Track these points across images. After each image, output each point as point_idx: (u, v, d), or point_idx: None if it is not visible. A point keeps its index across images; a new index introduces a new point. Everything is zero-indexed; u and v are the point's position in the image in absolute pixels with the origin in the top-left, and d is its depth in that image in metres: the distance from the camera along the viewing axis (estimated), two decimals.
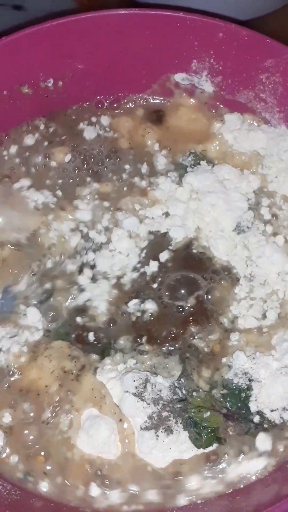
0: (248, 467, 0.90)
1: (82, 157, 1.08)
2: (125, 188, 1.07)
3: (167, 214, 1.04)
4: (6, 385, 0.93)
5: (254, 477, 0.90)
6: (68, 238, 1.02)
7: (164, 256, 1.01)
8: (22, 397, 0.93)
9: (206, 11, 1.08)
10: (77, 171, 1.07)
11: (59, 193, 1.06)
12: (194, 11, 1.05)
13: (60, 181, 1.07)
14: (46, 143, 1.09)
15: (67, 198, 1.05)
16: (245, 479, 0.90)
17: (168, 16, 1.03)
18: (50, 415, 0.92)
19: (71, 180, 1.07)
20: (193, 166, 1.06)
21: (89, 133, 1.11)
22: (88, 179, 1.07)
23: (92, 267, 1.00)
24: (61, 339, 0.96)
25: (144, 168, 1.08)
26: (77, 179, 1.07)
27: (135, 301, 0.98)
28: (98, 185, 1.06)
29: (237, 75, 1.08)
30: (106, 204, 1.05)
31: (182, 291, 0.99)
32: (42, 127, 1.10)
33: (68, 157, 1.08)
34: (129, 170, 1.08)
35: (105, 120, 1.12)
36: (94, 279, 0.99)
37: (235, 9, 1.30)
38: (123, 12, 1.03)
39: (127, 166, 1.08)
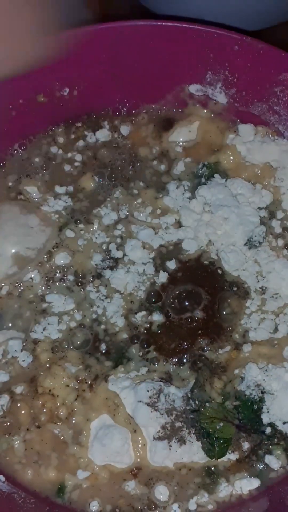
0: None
1: (109, 170, 1.10)
2: (144, 193, 1.08)
3: (180, 224, 1.05)
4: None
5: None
6: (92, 255, 1.03)
7: (171, 265, 1.02)
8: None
9: (217, 22, 1.09)
10: (108, 185, 1.09)
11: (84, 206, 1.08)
12: (204, 22, 1.06)
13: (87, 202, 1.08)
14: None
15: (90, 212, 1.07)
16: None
17: (185, 28, 1.04)
18: (63, 423, 0.93)
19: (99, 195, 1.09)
20: (206, 178, 1.07)
21: (106, 141, 1.12)
22: (119, 189, 1.08)
23: (107, 284, 1.01)
24: (77, 348, 0.97)
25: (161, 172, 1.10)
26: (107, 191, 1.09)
27: (142, 313, 0.99)
28: (124, 193, 1.08)
29: (251, 88, 1.09)
30: (124, 213, 1.06)
31: (187, 304, 1.00)
32: (61, 140, 1.12)
33: (96, 180, 1.09)
34: (149, 176, 1.10)
35: (123, 129, 1.13)
36: (108, 295, 1.01)
37: (245, 20, 1.30)
38: (141, 23, 1.03)
39: (147, 172, 1.11)
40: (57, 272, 1.02)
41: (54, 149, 1.11)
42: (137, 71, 1.09)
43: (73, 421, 0.93)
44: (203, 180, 1.07)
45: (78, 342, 0.98)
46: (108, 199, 1.07)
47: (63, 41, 0.96)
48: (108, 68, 1.08)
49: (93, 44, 1.04)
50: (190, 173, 1.09)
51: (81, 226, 1.04)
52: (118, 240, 1.04)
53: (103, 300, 1.00)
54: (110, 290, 1.01)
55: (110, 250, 1.03)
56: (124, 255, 1.02)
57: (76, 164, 1.10)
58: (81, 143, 1.11)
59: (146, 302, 1.00)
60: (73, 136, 1.12)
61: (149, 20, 1.04)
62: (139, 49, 1.06)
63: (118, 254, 1.02)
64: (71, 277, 1.01)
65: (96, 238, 1.04)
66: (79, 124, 1.13)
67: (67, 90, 1.08)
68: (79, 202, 1.07)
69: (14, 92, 1.04)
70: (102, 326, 0.99)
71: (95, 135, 1.12)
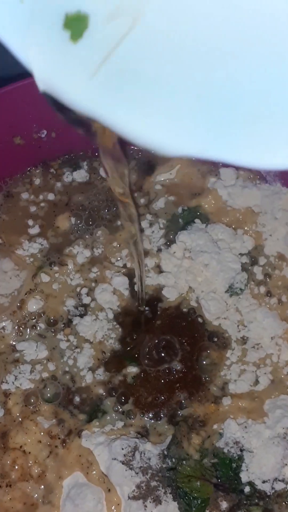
0: None
1: (87, 213, 1.07)
2: (119, 236, 1.05)
3: (160, 268, 1.02)
4: None
5: None
6: (65, 300, 1.00)
7: (149, 313, 0.99)
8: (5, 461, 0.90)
9: None
10: (84, 227, 1.06)
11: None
12: None
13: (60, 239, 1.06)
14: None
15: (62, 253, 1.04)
16: None
17: None
18: (34, 482, 0.89)
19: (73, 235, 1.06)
20: (186, 223, 1.04)
21: (82, 182, 1.09)
22: (101, 229, 1.05)
23: (76, 333, 0.98)
24: (48, 401, 0.93)
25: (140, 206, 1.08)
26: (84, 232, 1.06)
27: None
28: (106, 232, 1.05)
29: None
30: (98, 251, 1.03)
31: (164, 355, 0.97)
32: (37, 181, 1.09)
33: (72, 220, 1.06)
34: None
35: (103, 170, 1.09)
36: (78, 345, 0.97)
37: None
38: None
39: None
40: (29, 319, 0.98)
41: (25, 194, 1.08)
42: None
43: (45, 479, 0.90)
44: (181, 222, 1.05)
45: (48, 395, 0.94)
46: (87, 236, 1.04)
47: None
48: None
49: None
50: (170, 214, 1.07)
51: (55, 268, 1.01)
52: (93, 284, 1.01)
53: (73, 350, 0.97)
54: (79, 339, 0.97)
55: (81, 294, 1.00)
56: (92, 299, 0.99)
57: (43, 204, 1.07)
58: (58, 184, 1.09)
59: (120, 351, 0.97)
60: (50, 178, 1.09)
61: None
62: None
63: (86, 300, 0.99)
64: (42, 325, 0.98)
65: (71, 280, 1.01)
66: (57, 166, 1.10)
67: (45, 132, 1.06)
68: (53, 239, 1.05)
69: None
70: (73, 379, 0.95)
71: (72, 175, 1.09)
